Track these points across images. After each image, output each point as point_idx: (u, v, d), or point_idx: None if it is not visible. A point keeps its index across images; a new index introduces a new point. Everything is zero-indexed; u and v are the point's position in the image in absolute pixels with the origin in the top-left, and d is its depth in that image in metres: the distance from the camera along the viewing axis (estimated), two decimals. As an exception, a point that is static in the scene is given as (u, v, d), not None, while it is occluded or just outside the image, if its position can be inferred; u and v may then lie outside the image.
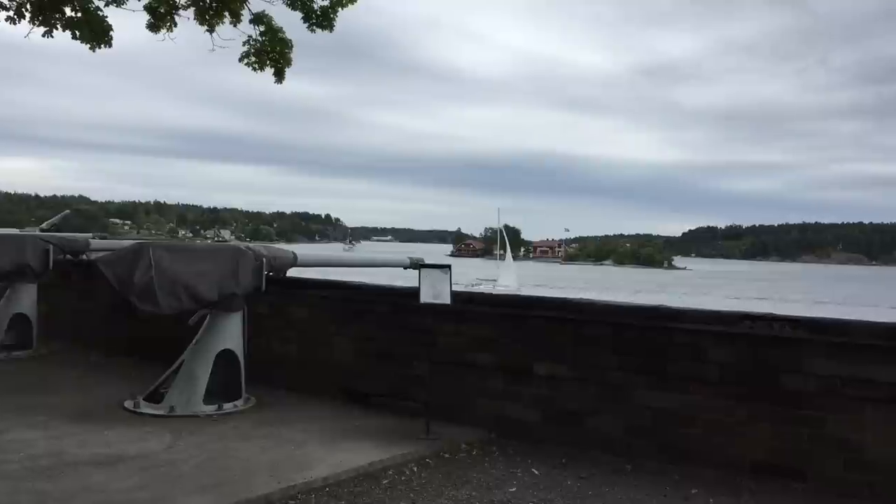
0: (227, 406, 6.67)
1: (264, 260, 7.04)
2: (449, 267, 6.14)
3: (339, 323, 7.41)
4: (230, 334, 6.84)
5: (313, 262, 8.48)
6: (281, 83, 11.66)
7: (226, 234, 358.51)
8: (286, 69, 11.56)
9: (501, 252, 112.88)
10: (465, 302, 6.51)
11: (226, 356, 6.79)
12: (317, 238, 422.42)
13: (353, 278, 8.41)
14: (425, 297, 6.05)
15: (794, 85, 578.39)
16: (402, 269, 9.36)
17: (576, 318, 5.97)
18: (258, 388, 7.21)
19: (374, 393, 7.02)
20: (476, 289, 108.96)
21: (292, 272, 8.00)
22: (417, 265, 7.86)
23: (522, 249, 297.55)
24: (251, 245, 7.37)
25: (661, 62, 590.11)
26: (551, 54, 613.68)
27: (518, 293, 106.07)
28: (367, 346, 7.14)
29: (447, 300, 6.01)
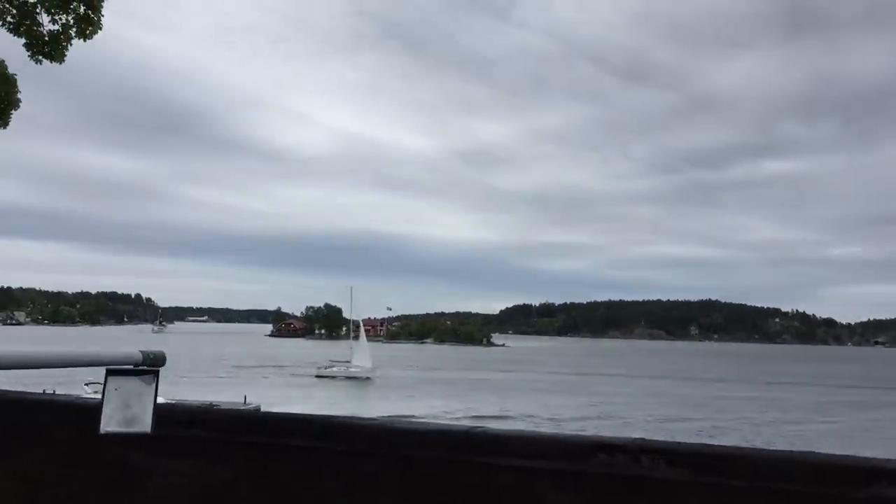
0: None
1: None
2: (155, 373, 3.92)
3: None
4: None
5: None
6: (5, 128, 9.32)
7: (20, 315, 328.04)
8: (11, 112, 9.16)
9: (355, 331, 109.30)
10: (186, 424, 4.26)
11: None
12: (125, 319, 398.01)
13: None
14: (110, 423, 3.76)
15: (598, 172, 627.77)
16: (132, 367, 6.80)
17: (349, 448, 3.90)
18: None
19: (47, 570, 4.52)
20: (330, 371, 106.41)
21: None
22: (149, 364, 5.54)
23: (345, 328, 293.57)
24: None
25: (478, 147, 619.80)
26: (374, 136, 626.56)
27: (373, 374, 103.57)
28: (38, 494, 4.64)
29: (146, 426, 3.76)
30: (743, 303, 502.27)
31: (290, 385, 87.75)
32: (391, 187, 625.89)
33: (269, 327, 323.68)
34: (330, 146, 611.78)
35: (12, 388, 5.52)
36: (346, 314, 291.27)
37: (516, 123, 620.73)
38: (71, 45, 8.67)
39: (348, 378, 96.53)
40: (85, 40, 8.92)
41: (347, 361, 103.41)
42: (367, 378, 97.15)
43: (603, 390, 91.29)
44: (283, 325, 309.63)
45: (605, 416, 64.52)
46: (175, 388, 72.65)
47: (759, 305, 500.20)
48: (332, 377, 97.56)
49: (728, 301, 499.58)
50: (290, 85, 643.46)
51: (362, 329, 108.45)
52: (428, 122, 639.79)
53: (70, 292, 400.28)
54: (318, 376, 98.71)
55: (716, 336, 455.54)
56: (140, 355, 6.44)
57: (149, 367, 6.30)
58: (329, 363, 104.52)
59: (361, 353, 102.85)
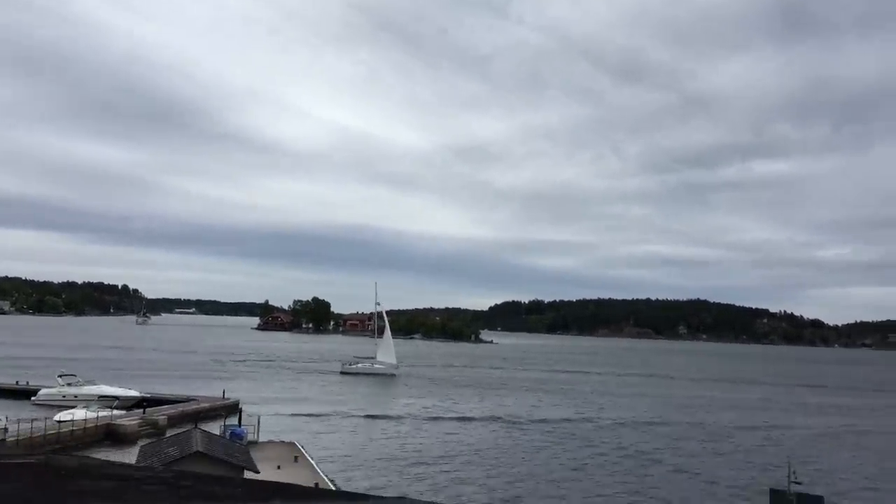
0: None
1: None
2: None
3: None
4: None
5: None
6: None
7: (5, 305, 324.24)
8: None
9: (381, 325, 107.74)
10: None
11: None
12: (111, 310, 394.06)
13: None
14: None
15: (590, 171, 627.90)
16: None
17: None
18: None
19: None
20: (355, 367, 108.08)
21: None
22: None
23: (332, 323, 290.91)
24: None
25: (472, 144, 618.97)
26: (368, 131, 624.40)
27: (397, 371, 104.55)
28: None
29: None
30: (732, 303, 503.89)
31: (315, 381, 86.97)
32: (384, 182, 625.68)
33: (256, 320, 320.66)
34: (323, 140, 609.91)
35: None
36: (334, 308, 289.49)
37: (511, 120, 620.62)
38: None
39: (373, 374, 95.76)
40: None
41: (372, 358, 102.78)
42: (392, 375, 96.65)
43: (620, 391, 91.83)
44: (269, 318, 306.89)
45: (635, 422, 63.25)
46: (155, 383, 70.48)
47: (747, 306, 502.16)
48: (357, 374, 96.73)
49: (717, 301, 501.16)
50: (284, 78, 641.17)
51: (387, 325, 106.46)
52: (422, 118, 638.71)
53: (56, 282, 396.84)
54: (342, 372, 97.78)
55: (704, 336, 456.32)
56: None
57: None
58: (353, 360, 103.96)
59: (386, 350, 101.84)
